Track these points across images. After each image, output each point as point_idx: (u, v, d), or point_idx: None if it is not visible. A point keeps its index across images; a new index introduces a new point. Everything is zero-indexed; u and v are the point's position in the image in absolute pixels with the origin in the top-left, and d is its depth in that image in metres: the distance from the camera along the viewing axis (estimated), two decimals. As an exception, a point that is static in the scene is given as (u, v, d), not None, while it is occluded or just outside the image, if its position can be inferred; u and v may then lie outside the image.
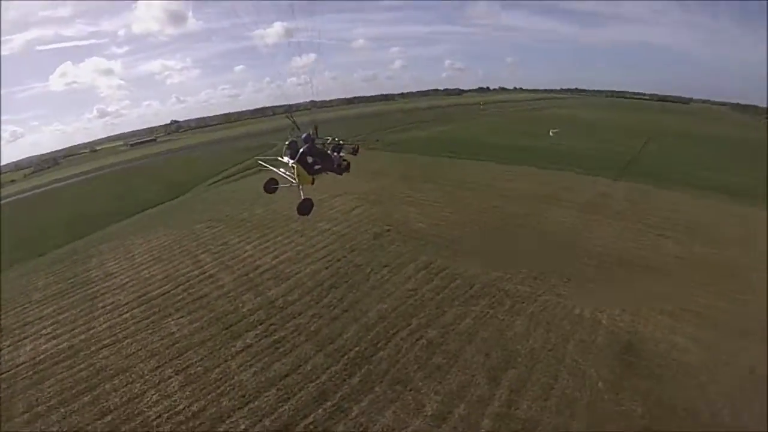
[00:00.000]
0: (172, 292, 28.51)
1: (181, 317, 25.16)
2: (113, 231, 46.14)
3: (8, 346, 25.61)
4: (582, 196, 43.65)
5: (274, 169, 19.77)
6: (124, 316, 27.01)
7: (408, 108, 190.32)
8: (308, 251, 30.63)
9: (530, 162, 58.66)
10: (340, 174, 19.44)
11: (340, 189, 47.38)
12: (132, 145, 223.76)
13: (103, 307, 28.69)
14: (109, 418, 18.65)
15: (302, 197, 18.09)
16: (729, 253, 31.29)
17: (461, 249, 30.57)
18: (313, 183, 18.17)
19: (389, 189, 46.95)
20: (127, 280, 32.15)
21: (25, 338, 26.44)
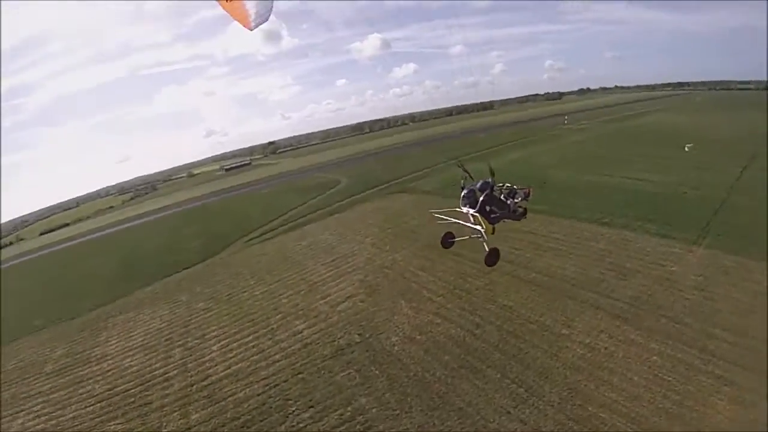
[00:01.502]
0: (131, 391, 33.76)
1: (118, 424, 29.96)
2: (139, 297, 55.36)
3: (7, 416, 34.13)
4: (632, 283, 36.48)
5: (452, 219, 23.08)
6: (87, 409, 32.99)
7: (495, 123, 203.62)
8: (261, 363, 33.47)
9: (587, 212, 53.77)
10: (518, 220, 22.39)
11: (352, 264, 50.21)
12: (227, 170, 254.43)
13: (80, 394, 35.34)
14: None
15: (487, 249, 21.37)
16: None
17: (412, 392, 27.89)
18: (493, 232, 21.19)
19: (403, 264, 47.75)
20: (111, 366, 38.80)
21: (19, 412, 34.61)
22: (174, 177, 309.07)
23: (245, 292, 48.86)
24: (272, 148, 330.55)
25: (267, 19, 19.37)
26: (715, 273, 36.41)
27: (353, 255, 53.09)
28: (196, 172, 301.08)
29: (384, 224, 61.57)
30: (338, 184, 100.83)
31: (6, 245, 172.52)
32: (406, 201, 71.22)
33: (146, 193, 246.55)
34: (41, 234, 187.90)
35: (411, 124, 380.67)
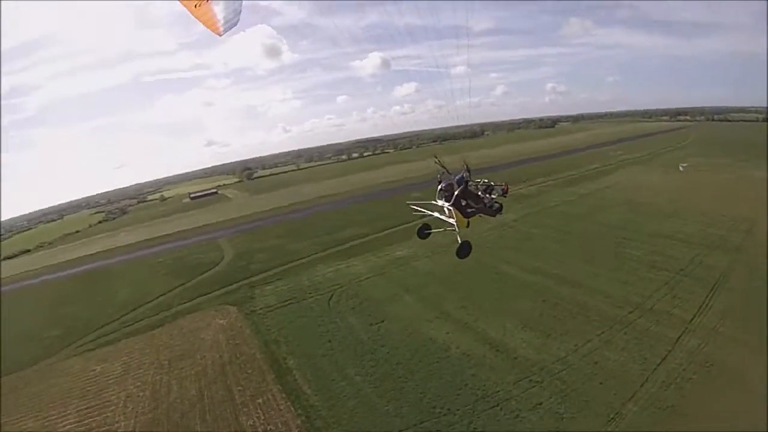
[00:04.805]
0: None
1: None
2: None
3: None
4: None
5: (428, 212, 22.70)
6: None
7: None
8: None
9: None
10: (494, 215, 22.03)
11: (93, 422, 48.63)
12: (192, 198, 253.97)
13: None
14: None
15: (459, 241, 21.03)
16: None
17: None
18: (468, 226, 21.12)
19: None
20: None
21: None
22: (145, 200, 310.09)
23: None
24: (248, 173, 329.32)
25: (236, 24, 19.27)
26: None
27: (105, 407, 51.78)
28: (168, 195, 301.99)
29: (166, 363, 59.45)
30: (214, 267, 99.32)
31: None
32: (220, 325, 68.53)
33: (114, 218, 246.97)
34: (4, 259, 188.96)
35: (392, 152, 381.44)
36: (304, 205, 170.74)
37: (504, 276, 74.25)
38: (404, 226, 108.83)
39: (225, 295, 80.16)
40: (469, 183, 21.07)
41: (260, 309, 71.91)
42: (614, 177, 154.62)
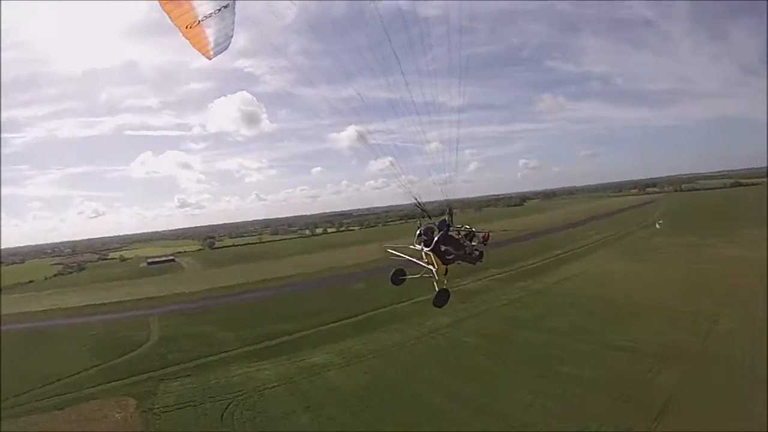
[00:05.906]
0: None
1: None
2: None
3: None
4: None
5: (405, 257, 22.22)
6: None
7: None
8: None
9: None
10: (473, 263, 21.06)
11: None
12: (149, 263, 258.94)
13: None
14: None
15: (437, 289, 20.46)
16: None
17: None
18: (446, 273, 20.35)
19: None
20: None
21: None
22: (106, 258, 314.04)
23: None
24: (210, 242, 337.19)
25: (226, 48, 19.70)
26: None
27: None
28: (128, 255, 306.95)
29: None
30: (136, 349, 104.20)
31: None
32: (115, 419, 71.74)
33: (70, 272, 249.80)
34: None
35: (357, 229, 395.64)
36: (253, 286, 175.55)
37: (416, 400, 67.70)
38: (336, 323, 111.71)
39: (133, 385, 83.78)
40: (451, 228, 20.74)
41: (157, 407, 74.22)
42: (576, 266, 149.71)
